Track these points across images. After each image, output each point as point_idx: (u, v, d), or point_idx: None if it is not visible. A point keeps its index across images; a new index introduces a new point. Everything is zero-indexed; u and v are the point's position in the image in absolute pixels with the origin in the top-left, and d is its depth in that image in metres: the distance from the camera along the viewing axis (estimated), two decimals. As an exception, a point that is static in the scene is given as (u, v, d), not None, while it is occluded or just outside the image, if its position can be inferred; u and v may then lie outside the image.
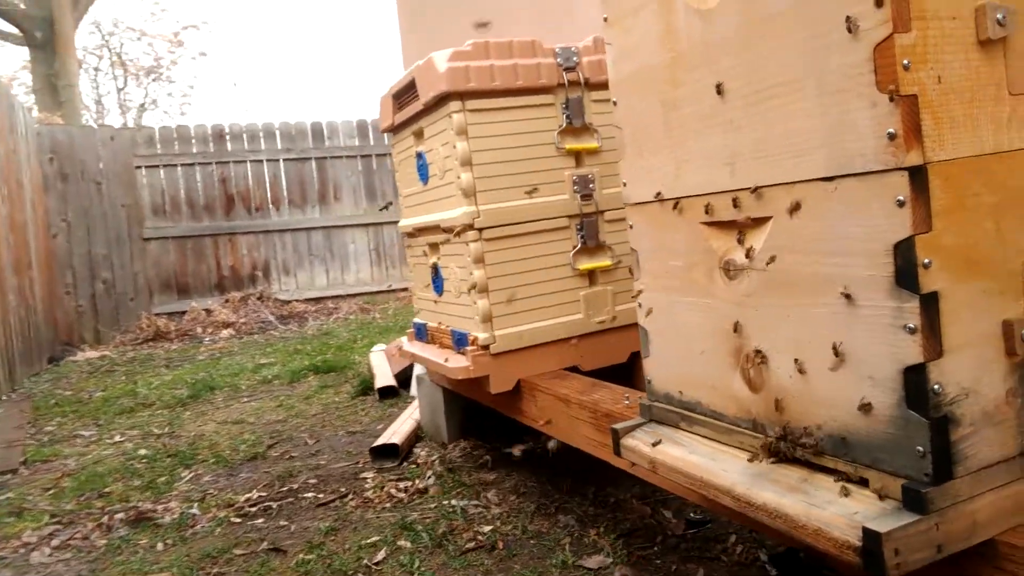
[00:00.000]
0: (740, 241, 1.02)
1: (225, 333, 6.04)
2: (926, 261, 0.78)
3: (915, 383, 0.79)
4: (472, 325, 1.88)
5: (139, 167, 6.65)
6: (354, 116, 7.54)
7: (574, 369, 1.92)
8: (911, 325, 0.78)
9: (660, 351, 1.22)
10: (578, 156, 1.91)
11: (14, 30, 10.02)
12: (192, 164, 6.85)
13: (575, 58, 1.89)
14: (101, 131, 6.81)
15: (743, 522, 1.39)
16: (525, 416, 1.90)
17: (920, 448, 0.79)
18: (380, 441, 2.45)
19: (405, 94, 2.08)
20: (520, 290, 1.86)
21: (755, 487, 0.95)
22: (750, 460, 1.00)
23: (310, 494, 2.20)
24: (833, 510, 0.84)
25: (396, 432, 2.53)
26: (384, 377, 3.41)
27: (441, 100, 1.85)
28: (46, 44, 9.60)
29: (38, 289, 5.56)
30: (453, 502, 1.99)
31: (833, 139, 0.84)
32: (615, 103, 1.24)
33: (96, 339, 6.26)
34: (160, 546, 1.95)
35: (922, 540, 0.77)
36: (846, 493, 0.86)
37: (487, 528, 1.82)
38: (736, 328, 1.03)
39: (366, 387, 3.46)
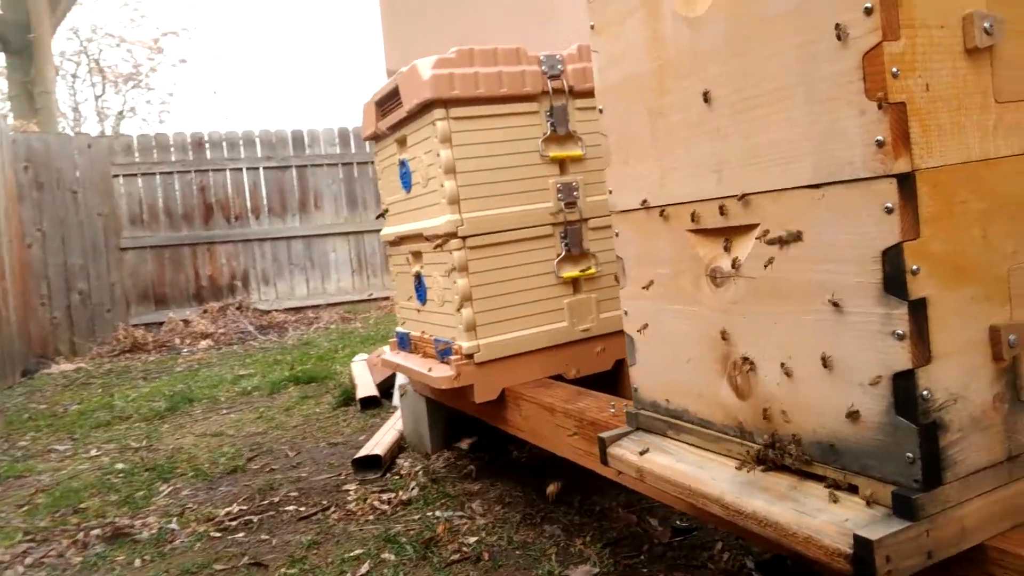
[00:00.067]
0: (727, 249, 1.01)
1: (204, 344, 5.96)
2: (914, 268, 0.78)
3: (904, 389, 0.79)
4: (456, 334, 1.86)
5: (117, 176, 6.56)
6: (335, 124, 7.50)
7: (559, 378, 1.91)
8: (899, 331, 0.79)
9: (646, 359, 1.21)
10: (562, 164, 1.91)
11: (-11, 36, 9.88)
12: (171, 172, 6.78)
13: (559, 66, 1.89)
14: (78, 139, 6.71)
15: (732, 530, 1.39)
16: (510, 425, 1.88)
17: (909, 454, 0.79)
18: (362, 452, 2.42)
19: (388, 101, 2.07)
20: (504, 298, 1.86)
21: (744, 495, 0.94)
22: (738, 468, 1.00)
23: (291, 507, 2.17)
24: (823, 518, 0.84)
25: (379, 443, 2.50)
26: (366, 387, 3.38)
27: (425, 107, 1.84)
28: (22, 50, 9.45)
29: (12, 300, 5.45)
30: (437, 513, 1.97)
31: (821, 146, 0.85)
32: (601, 111, 1.24)
33: (72, 351, 6.15)
34: (138, 562, 1.91)
35: (913, 546, 0.77)
36: (835, 500, 0.86)
37: (472, 539, 1.80)
38: (723, 335, 1.03)
39: (348, 398, 3.43)
